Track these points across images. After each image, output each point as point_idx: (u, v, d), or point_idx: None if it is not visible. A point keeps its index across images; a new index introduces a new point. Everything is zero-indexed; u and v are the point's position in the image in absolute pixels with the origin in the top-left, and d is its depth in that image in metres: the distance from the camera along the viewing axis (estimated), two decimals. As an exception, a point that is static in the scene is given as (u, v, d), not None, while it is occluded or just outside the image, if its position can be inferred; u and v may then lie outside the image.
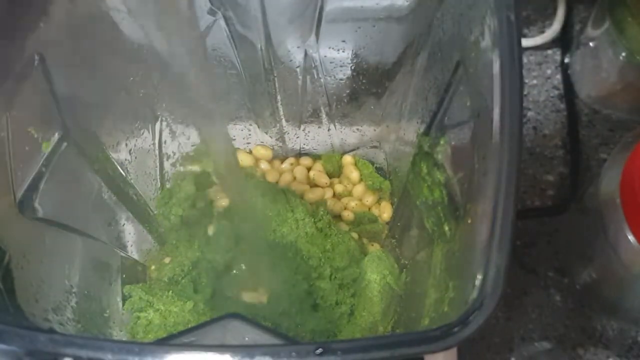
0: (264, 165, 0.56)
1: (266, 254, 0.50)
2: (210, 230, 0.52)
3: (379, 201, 0.55)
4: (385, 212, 0.54)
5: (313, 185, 0.56)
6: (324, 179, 0.55)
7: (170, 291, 0.49)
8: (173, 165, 0.54)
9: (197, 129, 0.51)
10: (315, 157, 0.57)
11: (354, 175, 0.56)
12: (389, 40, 0.46)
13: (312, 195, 0.54)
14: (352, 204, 0.54)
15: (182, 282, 0.50)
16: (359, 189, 0.55)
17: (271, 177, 0.55)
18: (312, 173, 0.56)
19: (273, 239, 0.50)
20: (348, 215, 0.54)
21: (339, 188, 0.55)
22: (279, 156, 0.57)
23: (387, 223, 0.54)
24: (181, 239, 0.52)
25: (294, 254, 0.50)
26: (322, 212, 0.51)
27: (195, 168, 0.54)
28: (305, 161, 0.57)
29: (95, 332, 0.44)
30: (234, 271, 0.50)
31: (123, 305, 0.48)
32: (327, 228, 0.51)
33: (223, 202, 0.53)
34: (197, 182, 0.53)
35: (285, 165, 0.56)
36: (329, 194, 0.55)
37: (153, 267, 0.52)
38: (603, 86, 0.56)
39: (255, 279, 0.50)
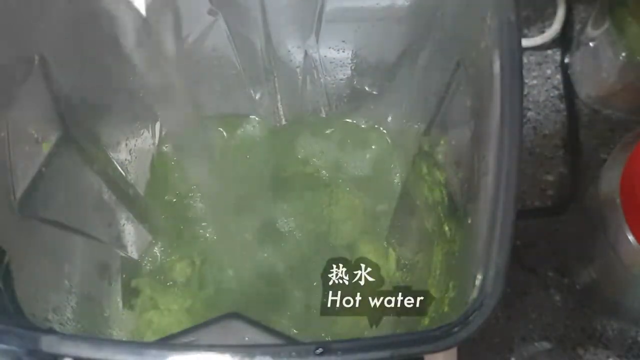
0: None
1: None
2: (209, 227, 0.52)
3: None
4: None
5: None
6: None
7: (173, 290, 0.49)
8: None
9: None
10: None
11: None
12: (389, 40, 0.46)
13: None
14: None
15: (184, 281, 0.50)
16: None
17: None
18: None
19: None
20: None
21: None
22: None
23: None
24: (181, 237, 0.52)
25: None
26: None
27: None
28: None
29: (95, 332, 0.44)
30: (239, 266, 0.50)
31: (123, 305, 0.48)
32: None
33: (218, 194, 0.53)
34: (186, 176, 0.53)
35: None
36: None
37: (153, 267, 0.52)
38: (603, 86, 0.56)
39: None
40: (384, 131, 0.54)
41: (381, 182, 0.54)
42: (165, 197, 0.53)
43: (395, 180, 0.53)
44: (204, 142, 0.52)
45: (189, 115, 0.47)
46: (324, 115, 0.54)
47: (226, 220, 0.52)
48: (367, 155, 0.54)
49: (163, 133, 0.53)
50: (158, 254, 0.52)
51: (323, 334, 0.47)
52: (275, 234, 0.52)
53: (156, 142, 0.52)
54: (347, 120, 0.54)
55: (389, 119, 0.53)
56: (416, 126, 0.47)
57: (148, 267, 0.51)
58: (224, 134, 0.54)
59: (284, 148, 0.54)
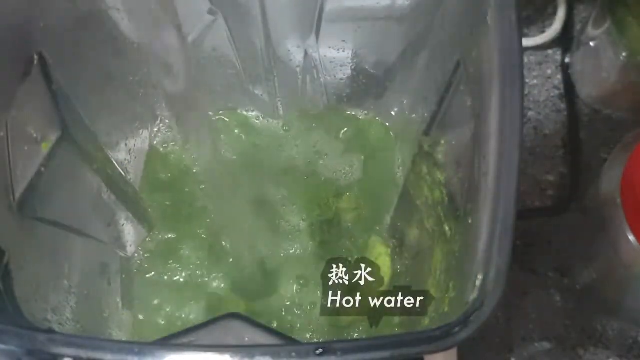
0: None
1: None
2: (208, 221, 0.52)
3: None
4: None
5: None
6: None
7: (177, 287, 0.49)
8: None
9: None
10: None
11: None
12: (389, 40, 0.46)
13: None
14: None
15: (186, 282, 0.50)
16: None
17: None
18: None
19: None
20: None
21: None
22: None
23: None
24: (181, 237, 0.52)
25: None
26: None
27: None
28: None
29: (95, 332, 0.44)
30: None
31: (123, 305, 0.48)
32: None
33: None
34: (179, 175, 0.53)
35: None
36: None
37: (153, 265, 0.52)
38: (604, 86, 0.56)
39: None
40: (387, 125, 0.54)
41: (382, 180, 0.54)
42: (163, 191, 0.53)
43: (398, 174, 0.53)
44: (203, 139, 0.52)
45: (188, 114, 0.47)
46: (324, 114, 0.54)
47: (225, 211, 0.52)
48: (367, 153, 0.54)
49: (161, 126, 0.53)
50: (158, 252, 0.52)
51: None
52: (278, 222, 0.52)
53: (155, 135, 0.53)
54: (348, 117, 0.54)
55: (390, 117, 0.53)
56: (416, 125, 0.47)
57: (147, 265, 0.51)
58: (224, 131, 0.54)
59: (285, 144, 0.54)
